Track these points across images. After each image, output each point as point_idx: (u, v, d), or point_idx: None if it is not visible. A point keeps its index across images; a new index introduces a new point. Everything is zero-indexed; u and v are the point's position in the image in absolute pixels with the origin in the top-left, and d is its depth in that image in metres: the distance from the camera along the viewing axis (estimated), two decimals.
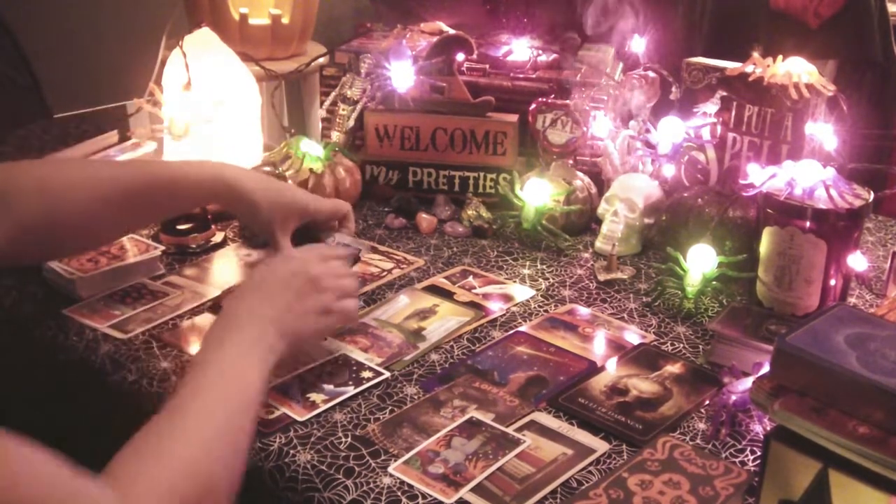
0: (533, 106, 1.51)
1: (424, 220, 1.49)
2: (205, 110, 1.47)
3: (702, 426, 1.01)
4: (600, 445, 0.97)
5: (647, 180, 1.45)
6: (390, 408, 1.03)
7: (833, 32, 2.22)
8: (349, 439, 0.97)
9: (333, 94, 1.64)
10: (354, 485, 0.90)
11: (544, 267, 1.37)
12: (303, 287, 1.03)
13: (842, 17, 2.21)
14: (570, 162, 1.51)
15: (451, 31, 1.70)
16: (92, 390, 1.12)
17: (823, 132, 1.28)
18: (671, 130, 1.43)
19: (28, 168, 1.14)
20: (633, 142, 1.49)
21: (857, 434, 0.76)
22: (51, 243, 1.15)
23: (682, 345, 1.17)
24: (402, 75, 1.53)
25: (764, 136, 1.32)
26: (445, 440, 0.96)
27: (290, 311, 1.01)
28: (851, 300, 1.29)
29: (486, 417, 1.00)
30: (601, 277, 1.34)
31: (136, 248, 1.32)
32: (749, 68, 1.31)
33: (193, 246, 1.38)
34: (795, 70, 1.29)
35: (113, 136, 1.65)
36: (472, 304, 1.25)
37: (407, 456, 0.94)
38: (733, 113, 1.34)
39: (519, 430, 0.98)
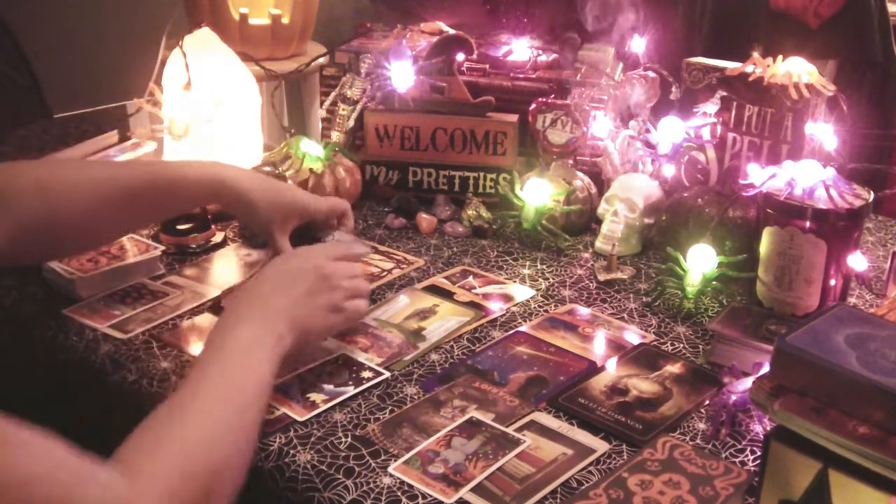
0: (533, 106, 1.51)
1: (424, 220, 1.49)
2: (205, 110, 1.47)
3: (702, 426, 1.01)
4: (600, 445, 0.97)
5: (647, 180, 1.45)
6: (390, 408, 1.03)
7: (833, 32, 2.22)
8: (349, 439, 0.97)
9: (333, 94, 1.64)
10: (354, 485, 0.90)
11: (544, 267, 1.37)
12: (316, 283, 1.05)
13: (842, 17, 2.21)
14: (570, 162, 1.51)
15: (451, 31, 1.70)
16: (92, 390, 1.12)
17: (823, 132, 1.28)
18: (671, 130, 1.43)
19: (27, 168, 1.15)
20: (633, 142, 1.49)
21: (857, 434, 0.76)
22: (50, 243, 1.15)
23: (682, 345, 1.17)
24: (402, 75, 1.53)
25: (764, 136, 1.32)
26: (445, 440, 0.96)
27: (302, 305, 1.02)
28: (851, 300, 1.29)
29: (486, 417, 1.00)
30: (601, 277, 1.34)
31: (136, 248, 1.32)
32: (749, 68, 1.31)
33: (193, 246, 1.38)
34: (795, 70, 1.29)
35: (113, 136, 1.65)
36: (472, 304, 1.25)
37: (407, 456, 0.94)
38: (733, 113, 1.34)
39: (519, 430, 0.98)
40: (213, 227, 1.41)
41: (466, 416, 1.00)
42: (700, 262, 1.22)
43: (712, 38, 2.26)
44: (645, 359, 1.13)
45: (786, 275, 1.18)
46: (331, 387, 1.05)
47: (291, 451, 0.95)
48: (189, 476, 0.80)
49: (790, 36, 2.05)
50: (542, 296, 1.29)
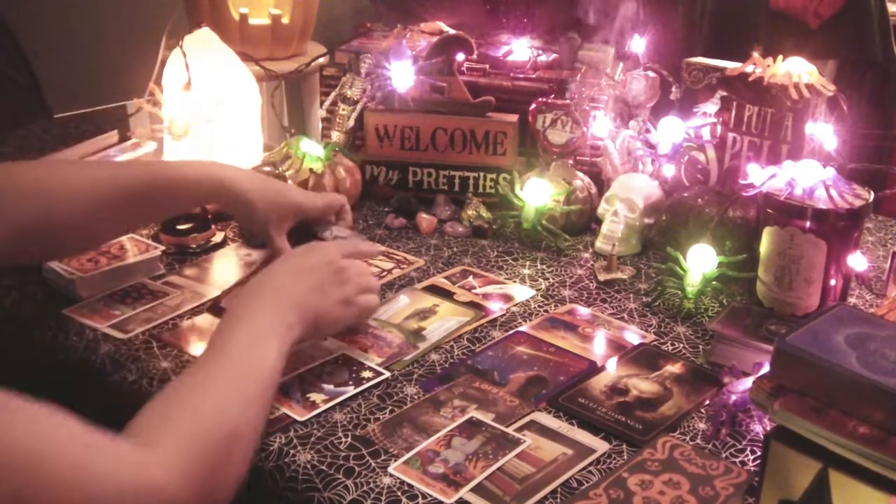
0: (533, 106, 1.51)
1: (424, 220, 1.49)
2: (205, 110, 1.47)
3: (702, 426, 1.01)
4: (600, 445, 0.97)
5: (647, 180, 1.45)
6: (390, 408, 1.03)
7: (833, 32, 2.22)
8: (349, 439, 0.97)
9: (333, 94, 1.64)
10: (354, 485, 0.90)
11: (544, 267, 1.37)
12: (329, 276, 1.07)
13: (842, 17, 2.21)
14: (570, 162, 1.51)
15: (451, 31, 1.70)
16: (92, 390, 1.12)
17: (823, 132, 1.28)
18: (671, 130, 1.43)
19: (26, 169, 1.15)
20: (633, 142, 1.49)
21: (857, 434, 0.76)
22: (49, 244, 1.15)
23: (682, 345, 1.17)
24: (402, 75, 1.53)
25: (764, 136, 1.32)
26: (445, 440, 0.96)
27: (314, 296, 1.04)
28: (851, 300, 1.29)
29: (486, 417, 1.00)
30: (601, 277, 1.34)
31: (136, 248, 1.32)
32: (749, 68, 1.31)
33: (193, 246, 1.38)
34: (795, 70, 1.29)
35: (113, 136, 1.65)
36: (472, 304, 1.25)
37: (407, 456, 0.94)
38: (733, 113, 1.34)
39: (519, 430, 0.98)
40: (213, 227, 1.41)
41: (466, 416, 1.00)
42: (700, 262, 1.22)
43: (712, 38, 2.26)
44: (645, 359, 1.13)
45: (786, 275, 1.18)
46: (331, 387, 1.05)
47: (291, 451, 0.95)
48: (201, 447, 0.81)
49: (790, 36, 2.05)
50: (542, 296, 1.29)
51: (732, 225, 1.30)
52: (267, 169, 1.48)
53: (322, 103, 1.67)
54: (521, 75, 1.63)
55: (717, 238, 1.27)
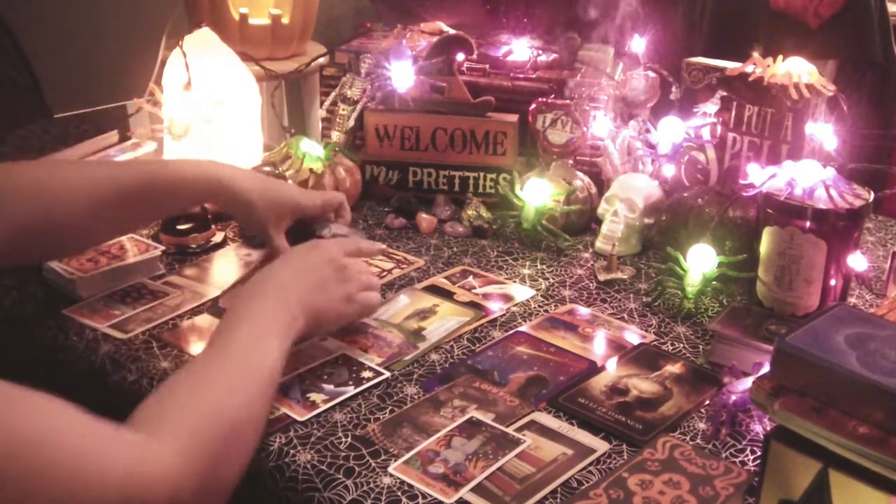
0: (533, 106, 1.51)
1: (424, 220, 1.49)
2: (205, 110, 1.47)
3: (702, 426, 1.01)
4: (600, 445, 0.97)
5: (647, 180, 1.45)
6: (390, 408, 1.03)
7: (833, 32, 2.22)
8: (349, 439, 0.97)
9: (333, 94, 1.64)
10: (354, 485, 0.90)
11: (544, 267, 1.37)
12: (331, 274, 1.08)
13: (842, 17, 2.21)
14: (570, 162, 1.51)
15: (451, 31, 1.70)
16: (92, 390, 1.12)
17: (823, 132, 1.28)
18: (671, 130, 1.42)
19: (25, 169, 1.15)
20: (633, 142, 1.49)
21: (857, 434, 0.76)
22: (49, 243, 1.16)
23: (682, 345, 1.17)
24: (402, 75, 1.53)
25: (764, 136, 1.32)
26: (445, 440, 0.96)
27: (316, 292, 1.05)
28: (851, 300, 1.29)
29: (486, 417, 1.00)
30: (601, 277, 1.34)
31: (136, 248, 1.32)
32: (749, 68, 1.31)
33: (193, 246, 1.38)
34: (795, 70, 1.29)
35: (113, 136, 1.65)
36: (472, 304, 1.25)
37: (407, 456, 0.94)
38: (733, 113, 1.34)
39: (519, 430, 0.98)
40: (213, 227, 1.41)
41: (466, 416, 1.00)
42: (700, 262, 1.22)
43: (712, 38, 2.26)
44: (645, 359, 1.13)
45: (786, 275, 1.18)
46: (331, 387, 1.05)
47: (291, 451, 0.95)
48: (201, 437, 0.81)
49: (790, 36, 2.05)
50: (542, 296, 1.29)
51: (732, 225, 1.30)
52: (267, 169, 1.48)
53: (322, 103, 1.67)
54: (521, 75, 1.63)
55: (717, 238, 1.27)
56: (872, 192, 1.17)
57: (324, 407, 1.02)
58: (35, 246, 1.13)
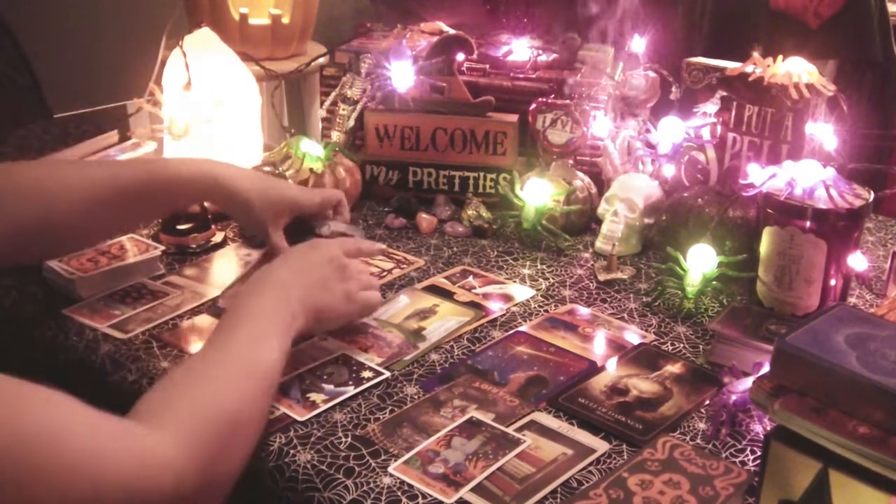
0: (533, 106, 1.51)
1: (424, 220, 1.49)
2: (205, 110, 1.47)
3: (702, 426, 1.01)
4: (600, 445, 0.97)
5: (647, 180, 1.45)
6: (390, 408, 1.03)
7: (833, 32, 2.22)
8: (349, 439, 0.97)
9: (333, 94, 1.64)
10: (354, 485, 0.90)
11: (544, 267, 1.37)
12: (332, 272, 1.09)
13: (842, 17, 2.21)
14: (570, 162, 1.51)
15: (451, 31, 1.70)
16: (92, 390, 1.12)
17: (823, 132, 1.28)
18: (671, 130, 1.42)
19: (24, 169, 1.15)
20: (633, 142, 1.49)
21: (857, 434, 0.76)
22: (49, 243, 1.16)
23: (682, 345, 1.17)
24: (402, 75, 1.53)
25: (764, 136, 1.32)
26: (445, 440, 0.96)
27: (317, 290, 1.06)
28: (851, 300, 1.29)
29: (486, 417, 1.00)
30: (601, 277, 1.34)
31: (136, 248, 1.32)
32: (749, 68, 1.31)
33: (193, 246, 1.38)
34: (795, 70, 1.29)
35: (113, 136, 1.65)
36: (472, 304, 1.25)
37: (407, 456, 0.94)
38: (733, 113, 1.34)
39: (519, 430, 0.98)
40: (213, 227, 1.41)
41: (466, 416, 1.00)
42: (700, 262, 1.22)
43: (712, 38, 2.26)
44: (645, 359, 1.13)
45: (786, 275, 1.18)
46: (331, 387, 1.05)
47: (291, 451, 0.95)
48: (203, 429, 0.82)
49: (790, 36, 2.05)
50: (542, 296, 1.29)
51: (732, 225, 1.30)
52: (267, 169, 1.47)
53: (322, 103, 1.67)
54: (521, 75, 1.63)
55: (717, 238, 1.27)
56: (872, 192, 1.17)
57: (324, 407, 1.02)
58: (35, 246, 1.14)
